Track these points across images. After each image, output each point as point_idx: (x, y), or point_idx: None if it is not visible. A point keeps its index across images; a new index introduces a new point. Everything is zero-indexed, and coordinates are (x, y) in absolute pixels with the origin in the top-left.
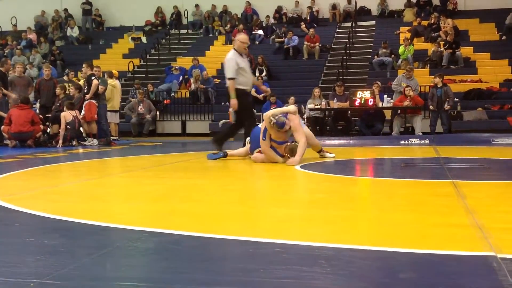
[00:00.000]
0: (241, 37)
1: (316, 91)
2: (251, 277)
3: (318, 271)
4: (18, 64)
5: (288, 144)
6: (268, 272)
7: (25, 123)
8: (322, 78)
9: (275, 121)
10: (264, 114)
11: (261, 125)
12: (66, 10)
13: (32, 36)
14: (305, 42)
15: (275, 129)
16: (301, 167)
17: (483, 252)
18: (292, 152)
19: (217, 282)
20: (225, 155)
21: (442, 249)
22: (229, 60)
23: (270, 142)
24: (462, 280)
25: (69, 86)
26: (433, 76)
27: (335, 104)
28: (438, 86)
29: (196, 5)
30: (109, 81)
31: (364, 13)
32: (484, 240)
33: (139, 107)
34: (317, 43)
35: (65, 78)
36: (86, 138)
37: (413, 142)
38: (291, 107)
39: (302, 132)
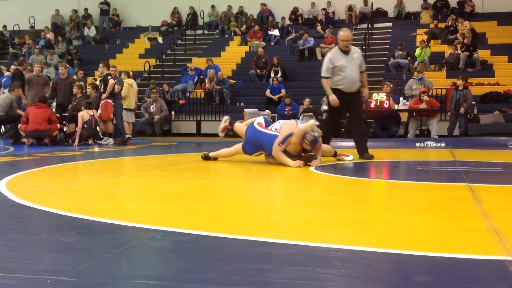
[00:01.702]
0: (340, 34)
1: None
2: (265, 277)
3: (333, 273)
4: (36, 63)
5: (303, 154)
6: (283, 273)
7: (42, 122)
8: None
9: (311, 138)
10: (299, 128)
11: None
12: (86, 9)
13: (50, 35)
14: (321, 45)
15: (299, 144)
16: (315, 168)
17: (500, 256)
18: (309, 161)
19: (231, 282)
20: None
21: (458, 253)
22: (324, 58)
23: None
24: (478, 284)
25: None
26: (449, 79)
27: None
28: (460, 88)
29: (212, 6)
30: (126, 80)
31: (380, 14)
32: (500, 244)
33: (152, 107)
34: (333, 44)
35: (74, 77)
36: (102, 137)
37: (429, 145)
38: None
39: None
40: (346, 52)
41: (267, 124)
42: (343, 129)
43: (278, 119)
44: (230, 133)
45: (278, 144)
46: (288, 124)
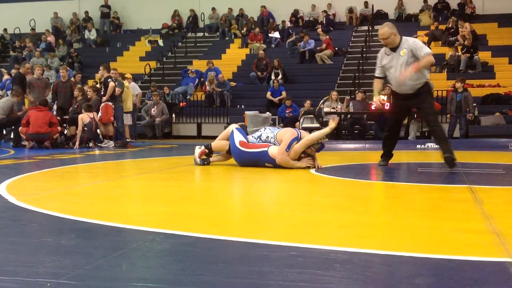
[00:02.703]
0: (379, 31)
1: (334, 94)
2: (266, 279)
3: (333, 275)
4: (37, 66)
5: (302, 155)
6: (283, 275)
7: (42, 125)
8: (338, 81)
9: (318, 146)
10: (312, 137)
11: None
12: (86, 12)
13: (51, 38)
14: (317, 48)
15: (301, 153)
16: (316, 170)
17: (500, 258)
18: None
19: (232, 285)
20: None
21: (459, 255)
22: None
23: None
24: (479, 286)
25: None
26: (450, 81)
27: (350, 108)
28: (459, 90)
29: (213, 9)
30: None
31: (381, 16)
32: (501, 245)
33: (153, 110)
34: (324, 45)
35: (72, 79)
36: (102, 140)
37: (429, 146)
38: (329, 127)
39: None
40: (393, 49)
41: (244, 134)
42: (343, 131)
43: (278, 122)
44: (205, 163)
45: (285, 150)
46: (287, 131)
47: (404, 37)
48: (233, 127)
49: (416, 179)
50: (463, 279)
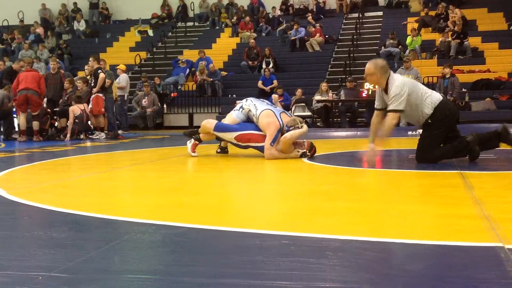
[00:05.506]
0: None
1: (324, 85)
2: (258, 269)
3: (325, 262)
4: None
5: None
6: (275, 264)
7: (32, 81)
8: (329, 69)
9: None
10: (290, 135)
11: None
12: (75, 3)
13: (40, 30)
14: (310, 39)
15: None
16: (308, 159)
17: (491, 243)
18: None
19: (224, 275)
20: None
21: (450, 240)
22: None
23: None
24: (470, 271)
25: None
26: (441, 67)
27: (341, 96)
28: (447, 76)
29: None
30: None
31: (371, 3)
32: (491, 231)
33: (144, 100)
34: (318, 34)
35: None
36: (93, 132)
37: (420, 133)
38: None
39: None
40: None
41: (231, 125)
42: (336, 119)
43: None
44: (223, 152)
45: (269, 144)
46: (270, 124)
47: (393, 78)
48: (213, 125)
49: (407, 166)
50: (454, 265)
